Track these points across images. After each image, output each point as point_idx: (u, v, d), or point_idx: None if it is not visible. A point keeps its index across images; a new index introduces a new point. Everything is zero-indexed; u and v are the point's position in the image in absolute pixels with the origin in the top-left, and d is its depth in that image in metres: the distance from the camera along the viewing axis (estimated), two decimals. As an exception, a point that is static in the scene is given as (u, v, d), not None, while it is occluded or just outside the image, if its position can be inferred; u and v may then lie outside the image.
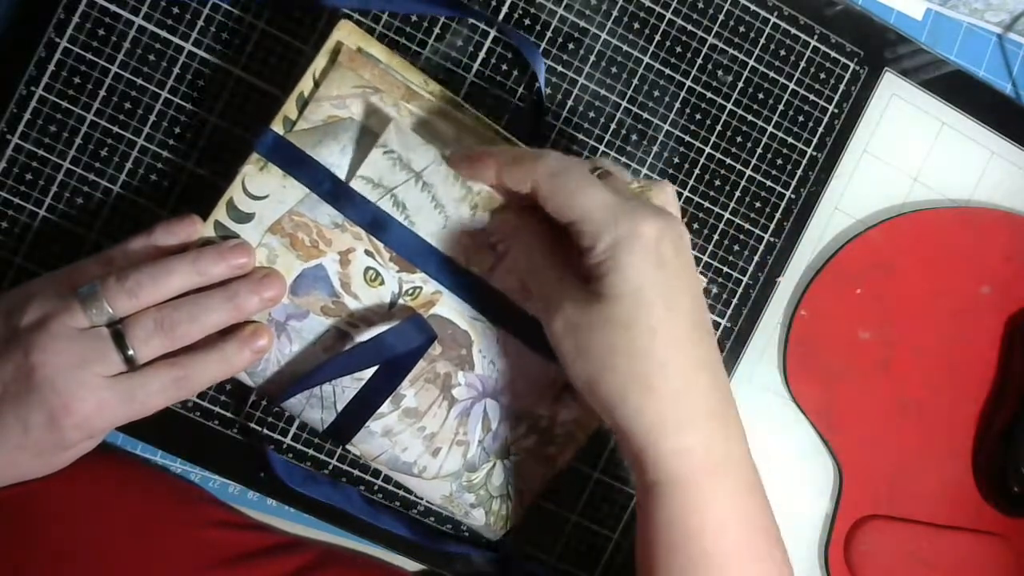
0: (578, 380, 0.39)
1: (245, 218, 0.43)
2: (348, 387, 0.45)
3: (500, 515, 0.48)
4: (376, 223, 0.44)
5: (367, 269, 0.44)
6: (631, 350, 0.37)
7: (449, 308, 0.45)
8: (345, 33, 0.43)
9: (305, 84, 0.43)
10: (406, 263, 0.44)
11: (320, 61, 0.43)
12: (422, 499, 0.49)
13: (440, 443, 0.46)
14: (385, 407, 0.45)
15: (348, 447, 0.46)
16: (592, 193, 0.38)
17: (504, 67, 0.50)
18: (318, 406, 0.45)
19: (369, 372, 0.45)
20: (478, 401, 0.46)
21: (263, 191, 0.43)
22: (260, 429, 0.50)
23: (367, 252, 0.44)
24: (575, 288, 0.39)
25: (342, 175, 0.43)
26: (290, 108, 0.43)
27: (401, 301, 0.45)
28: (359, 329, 0.45)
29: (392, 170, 0.43)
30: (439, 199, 0.43)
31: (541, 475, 0.48)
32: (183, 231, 0.43)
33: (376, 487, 0.51)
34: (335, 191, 0.43)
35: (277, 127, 0.43)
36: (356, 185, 0.43)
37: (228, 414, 0.49)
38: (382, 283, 0.45)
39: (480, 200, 0.43)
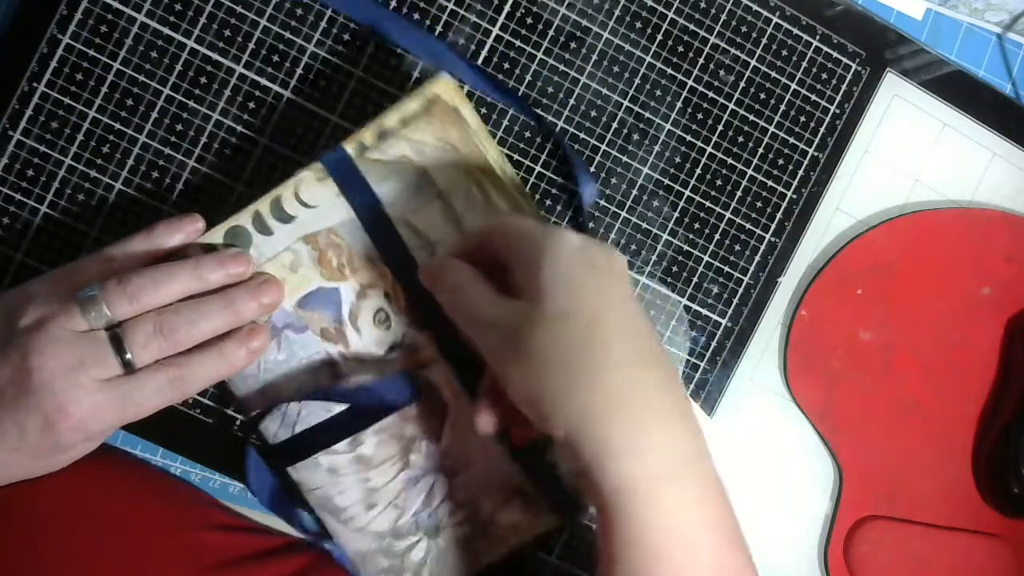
0: (519, 391, 0.37)
1: (286, 218, 0.44)
2: (312, 413, 0.44)
3: None
4: (406, 270, 0.44)
5: (379, 310, 0.45)
6: (570, 343, 0.35)
7: (439, 375, 0.45)
8: (443, 88, 0.44)
9: (389, 119, 0.44)
10: (417, 318, 0.45)
11: (412, 104, 0.44)
12: (337, 546, 0.47)
13: (378, 500, 0.46)
14: (342, 446, 0.45)
15: (288, 469, 0.45)
16: (527, 219, 0.40)
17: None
18: (278, 420, 0.45)
19: (339, 407, 0.45)
20: (429, 473, 0.46)
21: (313, 201, 0.44)
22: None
23: (386, 294, 0.45)
24: (509, 301, 0.38)
25: (393, 215, 0.44)
26: (367, 135, 0.44)
27: (396, 354, 0.45)
28: (348, 363, 0.45)
29: (443, 224, 0.44)
30: None
31: (462, 567, 0.47)
32: (184, 229, 0.43)
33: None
34: (381, 227, 0.44)
35: (350, 148, 0.44)
36: (402, 229, 0.44)
37: (228, 411, 0.49)
38: (388, 328, 0.45)
39: None
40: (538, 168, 0.51)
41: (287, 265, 0.44)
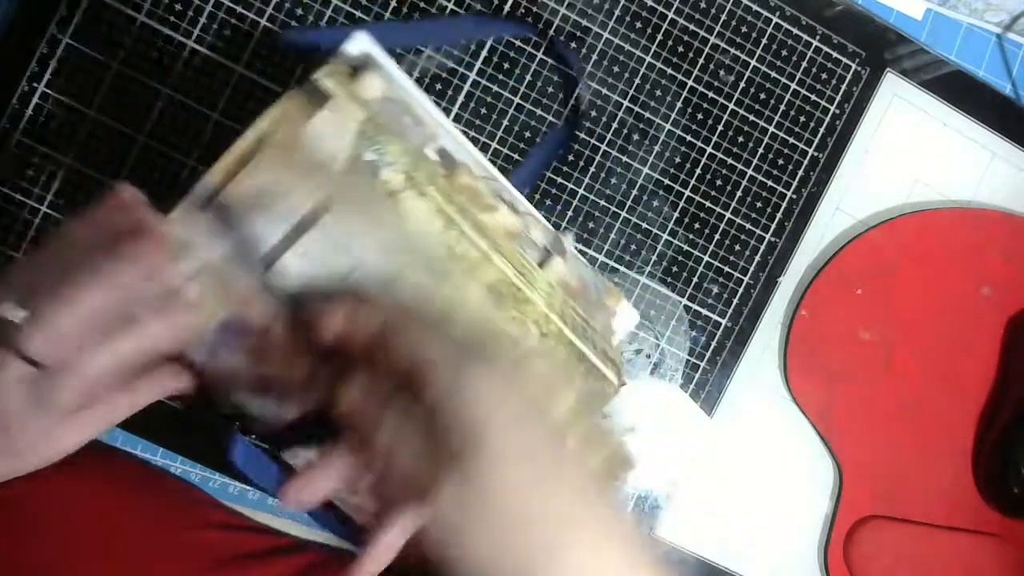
0: (478, 557, 0.32)
1: (183, 248, 0.40)
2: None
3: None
4: (288, 305, 0.40)
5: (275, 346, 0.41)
6: (557, 484, 0.33)
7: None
8: (288, 110, 0.39)
9: (246, 143, 0.39)
10: (300, 356, 0.41)
11: (263, 124, 0.39)
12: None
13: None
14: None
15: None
16: (445, 339, 0.35)
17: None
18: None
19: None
20: None
21: (198, 233, 0.40)
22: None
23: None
24: (451, 460, 0.32)
25: (271, 243, 0.40)
26: (227, 163, 0.39)
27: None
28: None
29: (325, 248, 0.40)
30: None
31: None
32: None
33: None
34: (255, 263, 0.40)
35: (214, 178, 0.39)
36: (289, 256, 0.40)
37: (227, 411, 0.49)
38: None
39: None
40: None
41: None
